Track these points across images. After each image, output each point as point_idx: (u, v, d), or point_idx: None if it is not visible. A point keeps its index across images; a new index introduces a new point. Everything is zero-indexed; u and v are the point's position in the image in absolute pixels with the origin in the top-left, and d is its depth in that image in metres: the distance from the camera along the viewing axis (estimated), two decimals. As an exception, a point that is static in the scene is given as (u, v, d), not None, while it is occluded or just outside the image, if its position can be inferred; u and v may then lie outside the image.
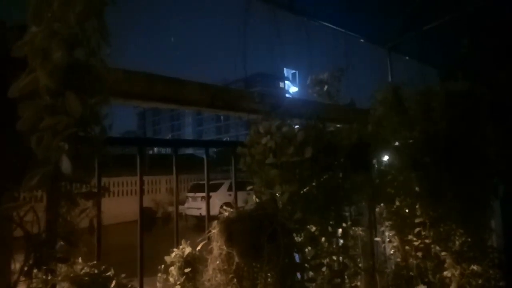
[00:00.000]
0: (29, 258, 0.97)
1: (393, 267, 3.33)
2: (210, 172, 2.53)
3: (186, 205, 15.62)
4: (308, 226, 1.80)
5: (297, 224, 1.66)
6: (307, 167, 1.70)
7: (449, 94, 2.93)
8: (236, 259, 1.68)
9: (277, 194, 1.71)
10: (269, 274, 1.63)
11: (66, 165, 0.86)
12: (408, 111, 2.66)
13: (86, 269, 1.87)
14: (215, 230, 1.73)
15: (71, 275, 1.79)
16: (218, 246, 1.71)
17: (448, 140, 2.88)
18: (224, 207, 1.87)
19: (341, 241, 2.06)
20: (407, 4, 4.36)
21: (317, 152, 1.77)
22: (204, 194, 2.36)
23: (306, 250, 1.77)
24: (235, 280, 1.66)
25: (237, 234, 1.67)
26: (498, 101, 3.80)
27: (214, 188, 13.57)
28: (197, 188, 15.47)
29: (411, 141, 2.64)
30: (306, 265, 1.70)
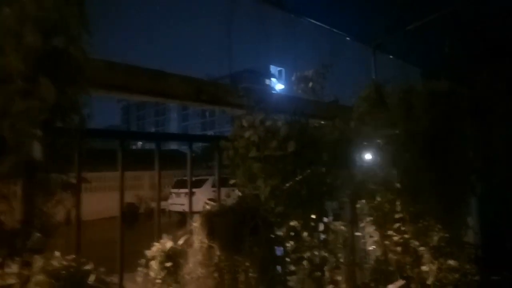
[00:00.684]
0: (2, 249, 0.95)
1: (373, 262, 3.38)
2: (195, 168, 2.51)
3: (169, 201, 15.49)
4: (290, 221, 1.81)
5: (279, 218, 1.67)
6: (290, 162, 1.71)
7: (431, 93, 2.99)
8: (218, 252, 1.67)
9: (260, 188, 1.72)
10: (250, 267, 1.63)
11: (37, 152, 0.84)
12: (391, 109, 2.70)
13: (64, 263, 1.83)
14: (196, 223, 1.72)
15: (49, 268, 1.75)
16: (199, 239, 1.71)
17: (429, 138, 2.93)
18: (207, 201, 1.86)
19: (323, 235, 2.08)
20: (392, 4, 4.41)
21: (301, 147, 1.78)
22: (187, 191, 2.34)
23: (288, 244, 1.78)
24: (216, 273, 1.66)
25: (219, 228, 1.67)
26: (478, 101, 3.89)
27: (199, 184, 13.48)
28: (181, 184, 15.33)
29: (392, 138, 2.68)
30: (287, 258, 1.71)
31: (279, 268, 1.73)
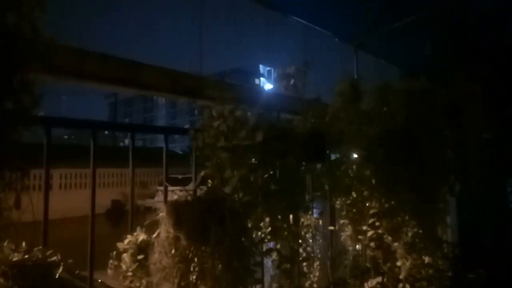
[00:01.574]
0: None
1: (350, 258, 3.42)
2: (183, 166, 2.46)
3: (156, 198, 15.39)
4: (258, 212, 1.80)
5: (246, 208, 1.66)
6: (258, 152, 1.71)
7: (407, 91, 3.03)
8: (183, 242, 1.66)
9: (228, 178, 1.71)
10: (216, 258, 1.63)
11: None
12: (366, 105, 2.72)
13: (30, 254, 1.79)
14: (163, 213, 1.70)
15: (13, 259, 1.71)
16: (165, 229, 1.69)
17: (404, 134, 2.97)
18: (177, 191, 1.84)
19: (294, 227, 2.08)
20: (374, 3, 4.46)
21: (269, 138, 1.78)
22: (174, 188, 2.30)
23: (255, 235, 1.78)
24: (181, 263, 1.64)
25: (185, 217, 1.65)
26: (454, 101, 3.97)
27: (185, 182, 13.44)
28: (168, 181, 15.23)
29: (367, 133, 2.70)
30: (253, 249, 1.70)
31: (247, 259, 1.73)
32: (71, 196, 17.64)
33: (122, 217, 12.63)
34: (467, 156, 4.07)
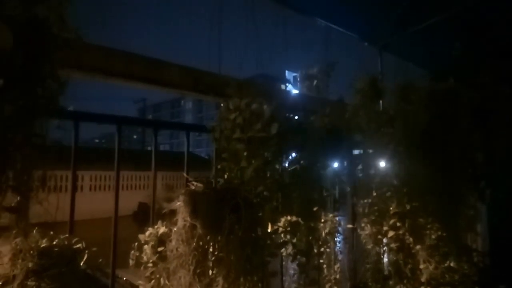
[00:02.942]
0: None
1: (372, 260, 3.36)
2: (208, 171, 2.51)
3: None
4: (273, 204, 1.83)
5: (260, 199, 1.69)
6: (274, 144, 1.73)
7: (431, 90, 2.97)
8: (200, 231, 1.71)
9: (243, 169, 1.74)
10: (230, 246, 1.66)
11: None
12: (387, 104, 2.69)
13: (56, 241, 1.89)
14: (180, 202, 1.76)
15: (41, 245, 1.81)
16: (182, 217, 1.74)
17: (428, 135, 2.91)
18: (193, 182, 1.90)
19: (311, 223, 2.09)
20: (400, 4, 4.41)
21: (285, 131, 1.80)
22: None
23: (270, 227, 1.80)
24: (196, 251, 1.69)
25: (201, 207, 1.70)
26: (482, 103, 3.83)
27: (209, 185, 13.57)
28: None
29: (388, 132, 2.67)
30: (267, 240, 1.73)
31: (260, 249, 1.75)
32: (100, 197, 18.23)
33: (148, 219, 12.88)
34: (497, 160, 3.91)
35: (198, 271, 1.69)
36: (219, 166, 1.97)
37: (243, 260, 1.65)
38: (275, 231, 1.78)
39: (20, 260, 1.50)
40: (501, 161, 3.91)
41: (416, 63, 5.23)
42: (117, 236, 2.43)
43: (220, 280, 1.63)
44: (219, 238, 1.66)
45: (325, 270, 3.37)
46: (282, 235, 1.94)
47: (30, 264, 1.63)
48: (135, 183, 21.75)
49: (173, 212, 2.06)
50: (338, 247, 3.17)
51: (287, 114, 1.94)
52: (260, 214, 1.71)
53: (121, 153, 2.41)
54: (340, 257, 3.47)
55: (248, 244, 1.63)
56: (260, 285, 1.65)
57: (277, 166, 1.85)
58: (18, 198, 1.20)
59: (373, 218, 2.98)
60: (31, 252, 1.74)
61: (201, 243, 1.68)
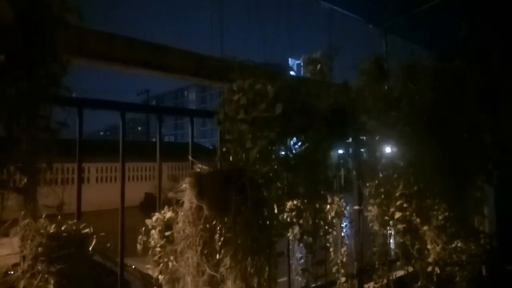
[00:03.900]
0: None
1: (379, 242, 3.36)
2: (213, 161, 2.49)
3: (186, 191, 15.73)
4: (279, 184, 1.82)
5: (265, 180, 1.68)
6: (278, 124, 1.72)
7: (437, 69, 2.92)
8: (206, 212, 1.71)
9: (248, 149, 1.74)
10: (237, 227, 1.66)
11: None
12: (393, 83, 2.66)
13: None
14: (186, 184, 1.76)
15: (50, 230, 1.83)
16: (188, 199, 1.75)
17: (434, 115, 2.87)
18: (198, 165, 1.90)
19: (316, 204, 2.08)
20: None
21: (290, 111, 1.79)
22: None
23: (276, 208, 1.80)
24: (203, 232, 1.69)
25: (207, 188, 1.70)
26: (489, 84, 3.77)
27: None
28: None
29: (394, 112, 2.64)
30: (274, 221, 1.73)
31: (267, 229, 1.75)
32: (107, 188, 18.39)
33: (155, 209, 13.00)
34: (505, 142, 3.87)
35: (205, 251, 1.69)
36: (224, 149, 1.96)
37: (250, 240, 1.65)
38: (281, 211, 1.77)
39: (29, 241, 1.52)
40: (509, 143, 3.86)
41: (422, 45, 5.14)
42: (124, 225, 2.44)
43: (227, 260, 1.64)
44: (226, 219, 1.67)
45: (332, 253, 3.38)
46: (288, 216, 1.94)
47: (39, 246, 1.65)
48: (141, 173, 21.90)
49: (179, 200, 2.07)
50: (344, 231, 3.17)
51: (290, 93, 1.91)
52: (266, 194, 1.71)
53: (125, 142, 2.41)
54: (346, 240, 3.47)
55: (255, 224, 1.63)
56: (267, 264, 1.66)
57: (282, 147, 1.84)
58: (25, 180, 1.20)
59: (379, 200, 2.97)
60: (41, 232, 1.76)
61: (207, 224, 1.69)
